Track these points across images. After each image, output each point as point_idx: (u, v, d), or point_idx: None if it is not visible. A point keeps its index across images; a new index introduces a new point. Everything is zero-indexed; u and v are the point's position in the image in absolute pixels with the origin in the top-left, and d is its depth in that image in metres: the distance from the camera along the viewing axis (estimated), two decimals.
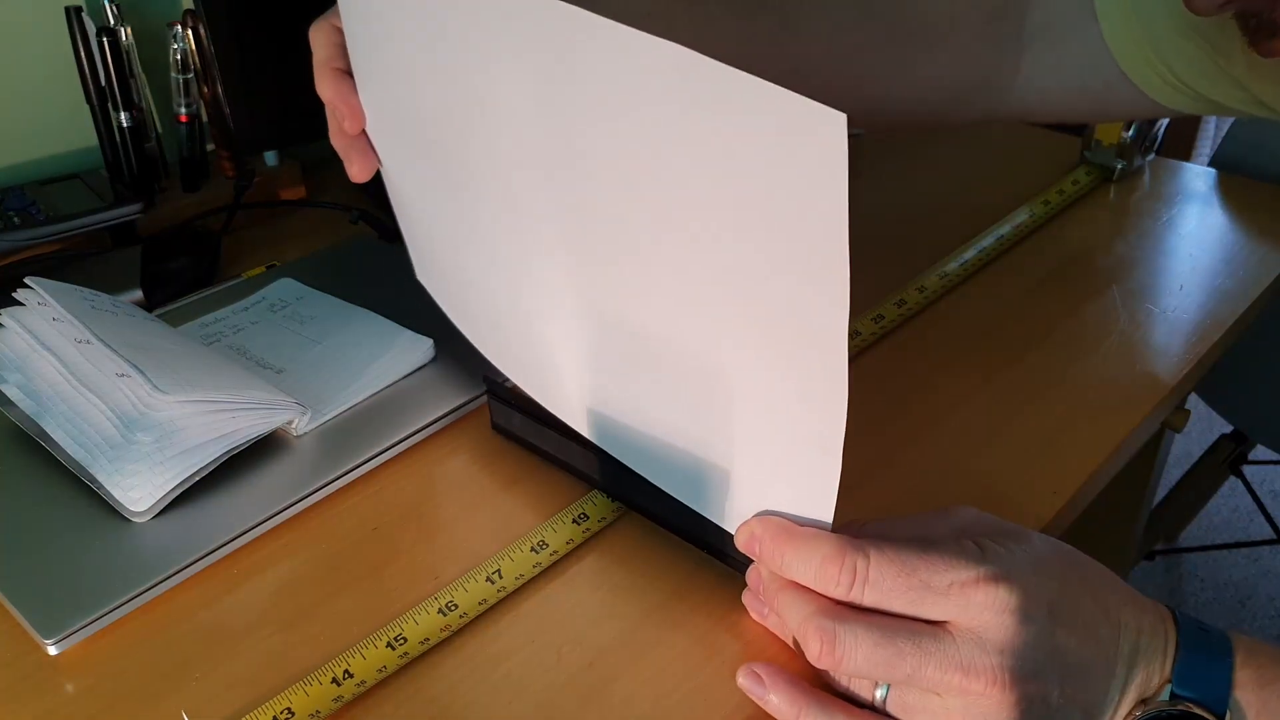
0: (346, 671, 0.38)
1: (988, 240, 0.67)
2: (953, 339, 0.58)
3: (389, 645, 0.39)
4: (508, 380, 0.49)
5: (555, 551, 0.43)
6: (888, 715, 0.35)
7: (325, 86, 0.45)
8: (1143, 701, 0.35)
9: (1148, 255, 0.66)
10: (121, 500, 0.44)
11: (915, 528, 0.37)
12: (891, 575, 0.33)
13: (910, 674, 0.33)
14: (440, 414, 0.51)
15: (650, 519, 0.45)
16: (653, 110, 0.31)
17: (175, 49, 0.69)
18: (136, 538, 0.43)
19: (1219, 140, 1.04)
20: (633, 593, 0.41)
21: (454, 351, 0.55)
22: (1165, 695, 0.35)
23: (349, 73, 0.44)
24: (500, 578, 0.42)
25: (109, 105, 0.67)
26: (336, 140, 0.47)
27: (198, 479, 0.45)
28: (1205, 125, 1.62)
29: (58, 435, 0.46)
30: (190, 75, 0.70)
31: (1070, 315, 0.60)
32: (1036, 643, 0.33)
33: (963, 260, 0.65)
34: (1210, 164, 0.84)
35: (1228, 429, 1.33)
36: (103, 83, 0.66)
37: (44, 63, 0.69)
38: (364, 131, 0.46)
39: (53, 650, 0.39)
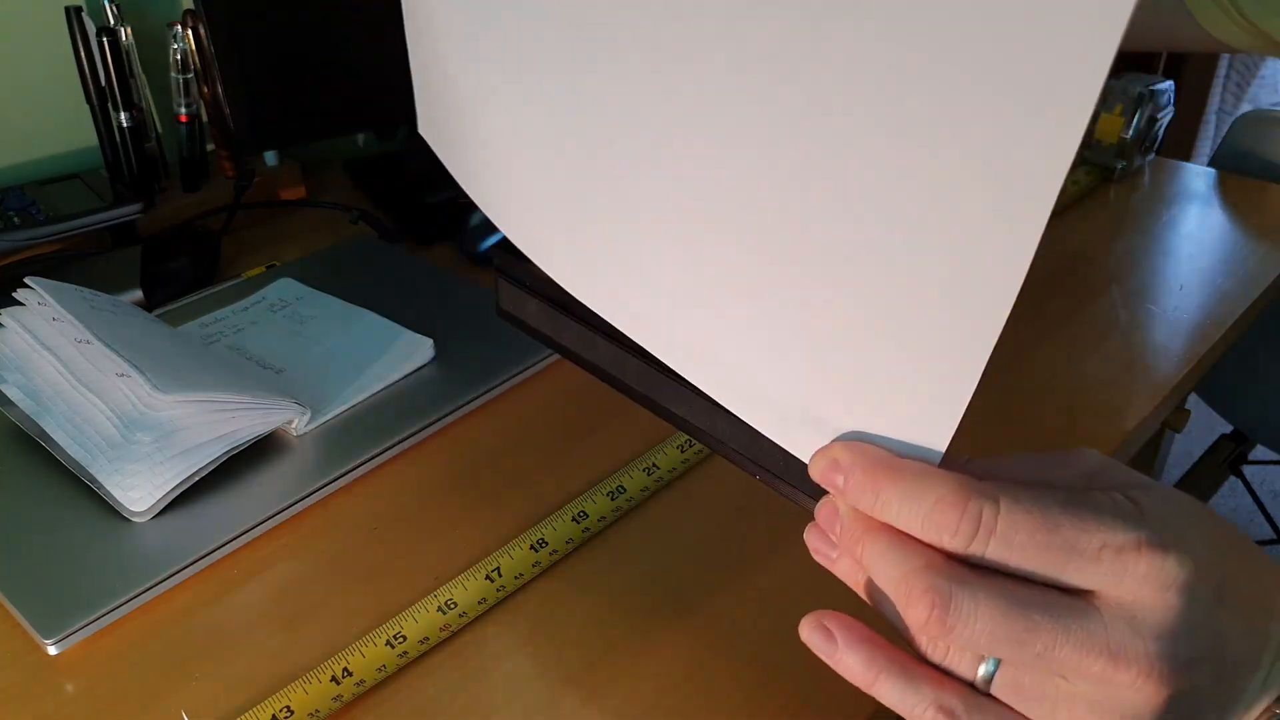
0: (346, 670, 0.38)
1: None
2: None
3: (388, 644, 0.39)
4: (528, 262, 0.39)
5: (555, 550, 0.43)
6: (988, 696, 0.28)
7: None
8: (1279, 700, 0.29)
9: (1147, 255, 0.67)
10: (121, 500, 0.44)
11: (1033, 469, 0.30)
12: (1028, 529, 0.26)
13: (1041, 653, 0.26)
14: (440, 414, 0.51)
15: (689, 433, 0.36)
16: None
17: (175, 49, 0.69)
18: (136, 538, 0.43)
19: (1219, 140, 1.04)
20: (631, 593, 0.42)
21: (454, 351, 0.55)
22: None
23: None
24: (499, 576, 0.42)
25: (109, 105, 0.68)
26: None
27: (198, 479, 0.45)
28: (1205, 126, 1.62)
29: (58, 435, 0.46)
30: (190, 75, 0.70)
31: (1070, 315, 0.60)
32: (1201, 628, 0.26)
33: None
34: (1210, 164, 0.84)
35: (1228, 429, 1.33)
36: (103, 83, 0.67)
37: (44, 63, 0.69)
38: None
39: (53, 650, 0.39)
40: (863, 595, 0.31)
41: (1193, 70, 1.61)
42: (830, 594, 0.41)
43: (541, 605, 0.41)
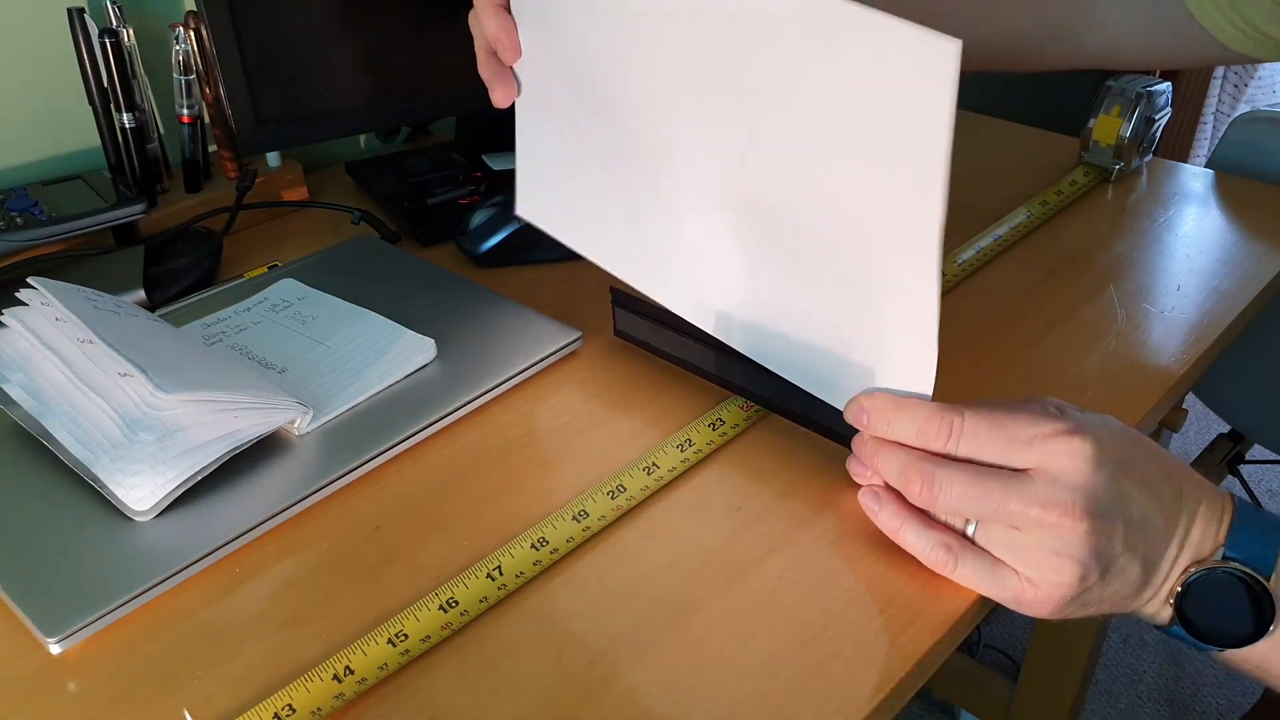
0: (348, 668, 0.38)
1: (985, 240, 0.68)
2: (951, 339, 0.58)
3: (390, 642, 0.39)
4: (632, 290, 0.55)
5: (556, 549, 0.43)
6: (975, 545, 0.41)
7: (489, 21, 0.50)
8: (1197, 561, 0.39)
9: (1145, 256, 0.67)
10: (124, 499, 0.44)
11: (1000, 404, 0.42)
12: (984, 429, 0.40)
13: (996, 508, 0.39)
14: (441, 414, 0.51)
15: (761, 404, 0.52)
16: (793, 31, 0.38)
17: (177, 50, 0.69)
18: (139, 537, 0.44)
19: (1216, 142, 1.05)
20: (631, 592, 0.42)
21: (455, 351, 0.55)
22: (1218, 556, 0.39)
23: (508, 9, 0.50)
24: (500, 575, 0.42)
25: (111, 106, 0.68)
26: (486, 69, 0.52)
27: (200, 478, 0.45)
28: (1203, 127, 1.63)
29: (60, 435, 0.47)
30: (192, 76, 0.70)
31: (1068, 315, 0.60)
32: (1106, 487, 0.38)
33: (960, 260, 0.65)
34: (1207, 165, 0.84)
35: (1225, 428, 1.33)
36: (105, 84, 0.67)
37: (46, 64, 0.70)
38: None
39: (55, 649, 0.40)
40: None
41: (1190, 71, 1.61)
42: (830, 594, 0.42)
43: (542, 603, 0.41)
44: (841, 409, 0.44)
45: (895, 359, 0.42)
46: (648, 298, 0.54)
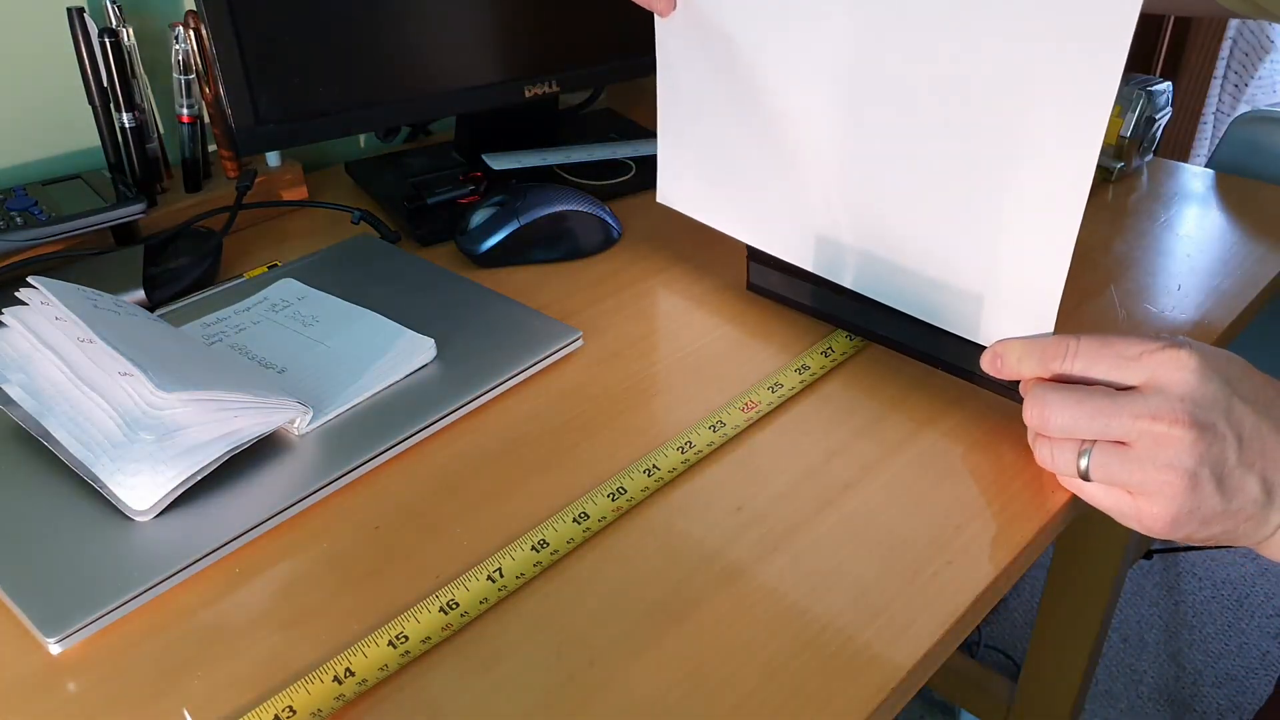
0: (348, 670, 0.38)
1: None
2: None
3: (390, 644, 0.39)
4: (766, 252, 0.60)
5: (556, 551, 0.43)
6: (1089, 480, 0.43)
7: None
8: None
9: (1145, 255, 0.67)
10: (124, 499, 0.44)
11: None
12: (1095, 347, 0.42)
13: (1106, 424, 0.41)
14: (441, 414, 0.51)
15: (889, 346, 0.57)
16: None
17: (177, 49, 0.69)
18: (138, 537, 0.44)
19: (1216, 141, 1.04)
20: (631, 593, 0.42)
21: (455, 351, 0.55)
22: None
23: None
24: (501, 576, 0.42)
25: (111, 106, 0.68)
26: None
27: (200, 478, 0.45)
28: (1203, 127, 1.63)
29: (60, 434, 0.47)
30: (192, 76, 0.70)
31: (1068, 315, 0.60)
32: (1215, 399, 0.39)
33: None
34: (1208, 165, 0.84)
35: None
36: (105, 83, 0.67)
37: (46, 64, 0.70)
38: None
39: (55, 649, 0.40)
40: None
41: (1190, 71, 1.61)
42: (829, 594, 0.42)
43: (542, 605, 0.41)
44: (974, 340, 0.50)
45: (1022, 291, 0.47)
46: (786, 261, 0.58)
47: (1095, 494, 0.43)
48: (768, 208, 0.58)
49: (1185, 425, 0.39)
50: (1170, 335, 0.42)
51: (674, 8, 0.56)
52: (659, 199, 0.65)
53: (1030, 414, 0.43)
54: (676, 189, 0.64)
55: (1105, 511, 0.43)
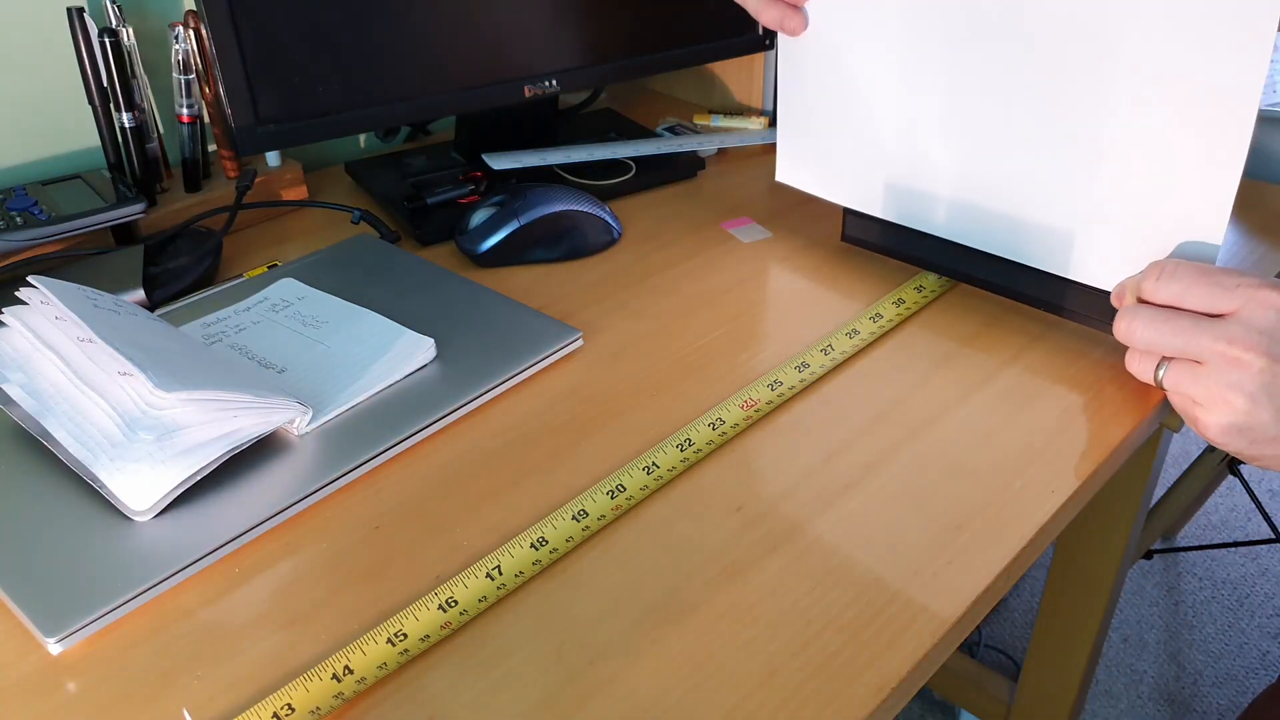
0: (347, 668, 0.38)
1: None
2: (949, 337, 0.58)
3: (389, 642, 0.39)
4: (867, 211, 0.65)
5: (555, 549, 0.43)
6: (1163, 389, 0.49)
7: None
8: None
9: None
10: (123, 499, 0.44)
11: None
12: (1192, 273, 0.46)
13: (1186, 342, 0.46)
14: (441, 414, 0.51)
15: (987, 289, 0.62)
16: None
17: (177, 49, 0.69)
18: (138, 537, 0.44)
19: None
20: (631, 592, 0.42)
21: (455, 351, 0.55)
22: None
23: None
24: (500, 574, 0.42)
25: (111, 105, 0.68)
26: (770, 11, 0.61)
27: (199, 478, 0.45)
28: None
29: (60, 434, 0.47)
30: (192, 76, 0.70)
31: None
32: None
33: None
34: None
35: None
36: (105, 83, 0.67)
37: (46, 63, 0.70)
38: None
39: (55, 649, 0.40)
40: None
41: None
42: (829, 594, 0.42)
43: (542, 603, 0.41)
44: (1097, 284, 0.55)
45: (1185, 217, 0.50)
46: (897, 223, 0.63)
47: (1170, 398, 0.49)
48: (881, 176, 0.63)
49: (1258, 354, 0.43)
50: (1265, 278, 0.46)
51: (805, 28, 0.62)
52: (778, 178, 0.69)
53: (1119, 328, 0.49)
54: (794, 170, 0.69)
55: (1174, 404, 0.50)
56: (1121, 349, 0.51)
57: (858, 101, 0.62)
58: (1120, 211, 0.52)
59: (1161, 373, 0.48)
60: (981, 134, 0.56)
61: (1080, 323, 0.58)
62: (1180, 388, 0.47)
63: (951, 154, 0.58)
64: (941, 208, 0.60)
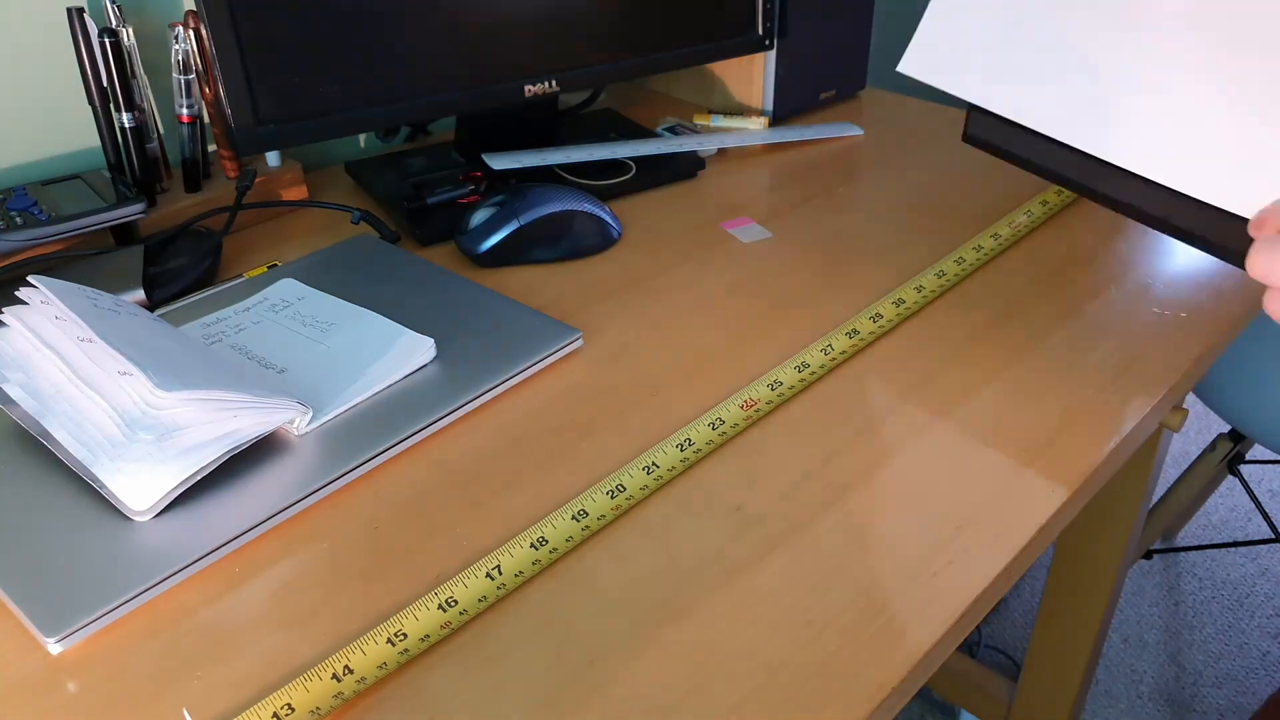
0: (347, 668, 0.38)
1: (986, 240, 0.68)
2: (951, 338, 0.58)
3: (389, 641, 0.39)
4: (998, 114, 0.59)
5: (555, 549, 0.43)
6: None
7: None
8: None
9: (1147, 256, 0.67)
10: (123, 499, 0.44)
11: None
12: None
13: None
14: (441, 414, 0.51)
15: (1114, 207, 0.54)
16: None
17: (177, 49, 0.69)
18: (138, 537, 0.44)
19: None
20: (631, 592, 0.42)
21: (455, 351, 0.55)
22: None
23: None
24: (500, 574, 0.42)
25: (111, 106, 0.68)
26: None
27: (199, 478, 0.45)
28: None
29: (60, 434, 0.47)
30: (192, 76, 0.70)
31: (1069, 315, 0.60)
32: None
33: (961, 260, 0.65)
34: None
35: (1226, 428, 1.33)
36: (104, 83, 0.67)
37: (46, 64, 0.70)
38: None
39: (55, 649, 0.40)
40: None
41: None
42: (830, 594, 0.42)
43: (542, 603, 0.41)
44: (1232, 208, 0.48)
45: None
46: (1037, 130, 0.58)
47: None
48: (1034, 83, 0.59)
49: None
50: None
51: None
52: (900, 68, 0.66)
53: (1256, 262, 0.45)
54: (927, 60, 0.65)
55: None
56: (1120, 354, 0.51)
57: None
58: (1265, 135, 0.48)
59: None
60: (1144, 54, 0.53)
61: (1213, 254, 0.54)
62: None
63: (1112, 66, 0.55)
64: (1084, 116, 0.56)
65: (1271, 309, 0.46)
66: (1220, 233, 0.50)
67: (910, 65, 0.65)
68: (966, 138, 0.64)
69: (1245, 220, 0.47)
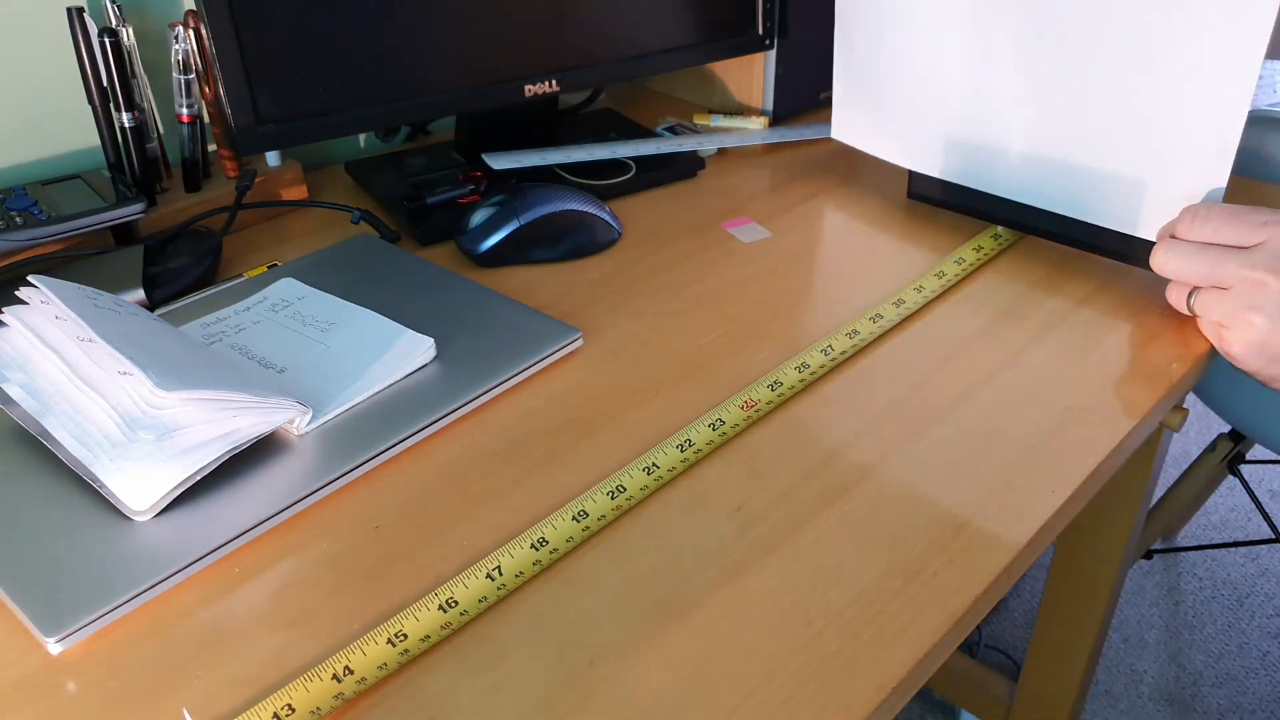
0: (347, 668, 0.38)
1: (986, 241, 0.68)
2: (951, 339, 0.58)
3: (389, 642, 0.39)
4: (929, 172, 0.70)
5: (555, 549, 0.43)
6: (1194, 314, 0.55)
7: None
8: None
9: None
10: (123, 499, 0.44)
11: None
12: (1222, 214, 0.52)
13: (1213, 270, 0.51)
14: (441, 413, 0.51)
15: (1047, 238, 0.67)
16: None
17: (177, 49, 0.69)
18: (138, 536, 0.44)
19: None
20: (631, 592, 0.42)
21: (455, 351, 0.55)
22: None
23: None
24: (500, 575, 0.42)
25: (111, 105, 0.68)
26: None
27: (199, 478, 0.45)
28: None
29: (60, 434, 0.47)
30: (192, 76, 0.70)
31: (1069, 314, 0.60)
32: None
33: (961, 260, 0.65)
34: None
35: (1226, 428, 1.33)
36: (104, 83, 0.67)
37: (46, 63, 0.70)
38: None
39: (55, 649, 0.40)
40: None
41: None
42: (829, 593, 0.42)
43: (542, 604, 0.41)
44: (1140, 233, 0.60)
45: (1190, 168, 0.56)
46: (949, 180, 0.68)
47: (1199, 325, 0.55)
48: (932, 136, 0.68)
49: (1277, 276, 0.48)
50: None
51: None
52: (833, 135, 0.75)
53: (1156, 260, 0.54)
54: (849, 127, 0.74)
55: (1202, 330, 0.55)
56: (1120, 354, 0.51)
57: (920, 63, 0.66)
58: (1161, 160, 0.57)
59: (1192, 300, 0.54)
60: (1046, 94, 0.61)
61: (1132, 264, 0.63)
62: (1207, 312, 0.53)
63: (1016, 115, 0.63)
64: (1001, 168, 0.65)
65: (1169, 297, 0.56)
66: (1134, 249, 0.61)
67: (840, 132, 0.74)
68: (910, 195, 0.73)
69: (1139, 238, 0.59)
